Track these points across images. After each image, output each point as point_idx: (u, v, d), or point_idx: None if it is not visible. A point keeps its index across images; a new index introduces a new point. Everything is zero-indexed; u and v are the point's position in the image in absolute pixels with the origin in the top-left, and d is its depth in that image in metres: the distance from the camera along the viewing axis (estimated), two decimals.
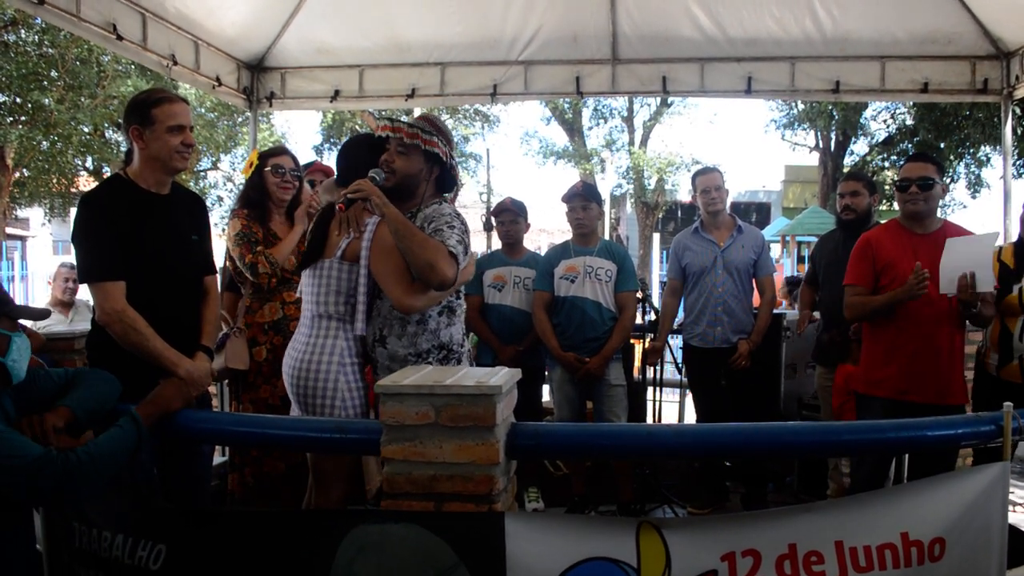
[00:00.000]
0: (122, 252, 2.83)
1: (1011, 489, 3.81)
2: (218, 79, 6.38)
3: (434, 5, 6.40)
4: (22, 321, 2.50)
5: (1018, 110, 12.90)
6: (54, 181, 16.47)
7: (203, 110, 17.51)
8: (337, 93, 6.95)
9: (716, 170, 5.19)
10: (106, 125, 16.20)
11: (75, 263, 2.94)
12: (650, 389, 5.41)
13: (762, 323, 5.01)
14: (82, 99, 14.97)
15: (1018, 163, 15.56)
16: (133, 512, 2.63)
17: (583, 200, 4.86)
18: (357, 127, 23.77)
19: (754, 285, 5.13)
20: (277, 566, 2.38)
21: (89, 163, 17.07)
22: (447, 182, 3.36)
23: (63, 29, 7.27)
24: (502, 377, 2.34)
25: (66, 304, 6.17)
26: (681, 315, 5.38)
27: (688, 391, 7.03)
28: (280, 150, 4.25)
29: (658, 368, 5.28)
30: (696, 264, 5.05)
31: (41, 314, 2.67)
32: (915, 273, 3.58)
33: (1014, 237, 6.31)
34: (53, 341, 4.67)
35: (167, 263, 2.97)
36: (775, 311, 5.26)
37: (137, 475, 2.84)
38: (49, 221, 19.45)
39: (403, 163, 3.22)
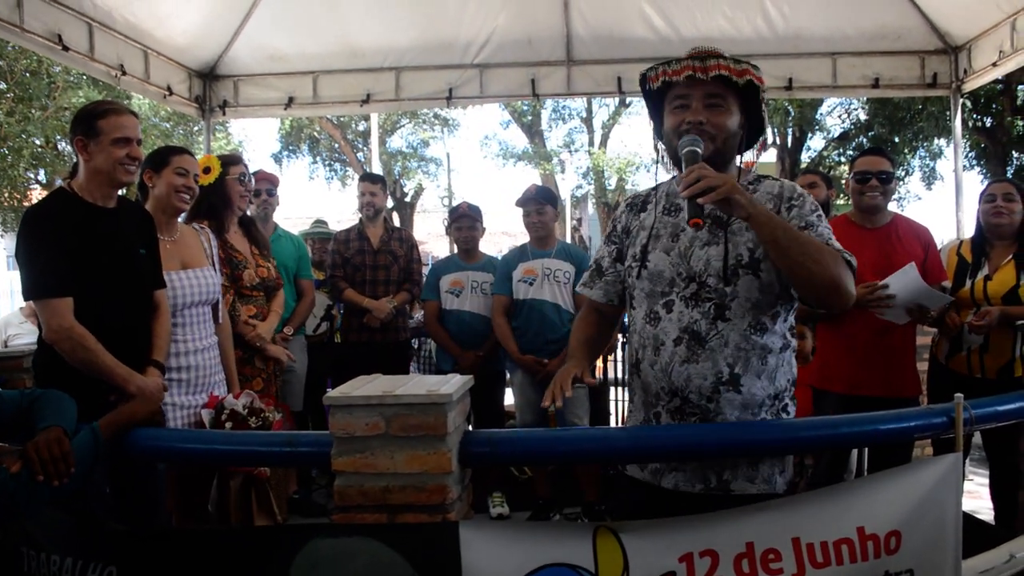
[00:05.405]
0: (69, 267, 2.75)
1: (969, 476, 3.84)
2: (169, 88, 6.29)
3: (387, 10, 6.37)
4: None
5: (967, 103, 13.13)
6: (6, 195, 16.11)
7: (157, 120, 17.27)
8: (291, 100, 6.90)
9: None
10: (58, 137, 15.91)
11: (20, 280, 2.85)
12: (612, 390, 5.42)
13: None
14: (32, 111, 14.69)
15: (969, 155, 15.86)
16: (82, 534, 2.56)
17: (537, 203, 4.86)
18: (315, 134, 23.65)
19: None
20: None
21: (42, 176, 16.74)
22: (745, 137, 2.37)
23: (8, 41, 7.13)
24: (453, 385, 2.31)
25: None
26: None
27: None
28: (239, 158, 4.15)
29: (618, 368, 5.29)
30: None
31: None
32: (870, 288, 3.55)
33: (967, 228, 6.45)
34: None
35: (115, 278, 2.88)
36: None
37: (89, 496, 2.77)
38: (2, 236, 19.04)
39: (723, 120, 2.25)
